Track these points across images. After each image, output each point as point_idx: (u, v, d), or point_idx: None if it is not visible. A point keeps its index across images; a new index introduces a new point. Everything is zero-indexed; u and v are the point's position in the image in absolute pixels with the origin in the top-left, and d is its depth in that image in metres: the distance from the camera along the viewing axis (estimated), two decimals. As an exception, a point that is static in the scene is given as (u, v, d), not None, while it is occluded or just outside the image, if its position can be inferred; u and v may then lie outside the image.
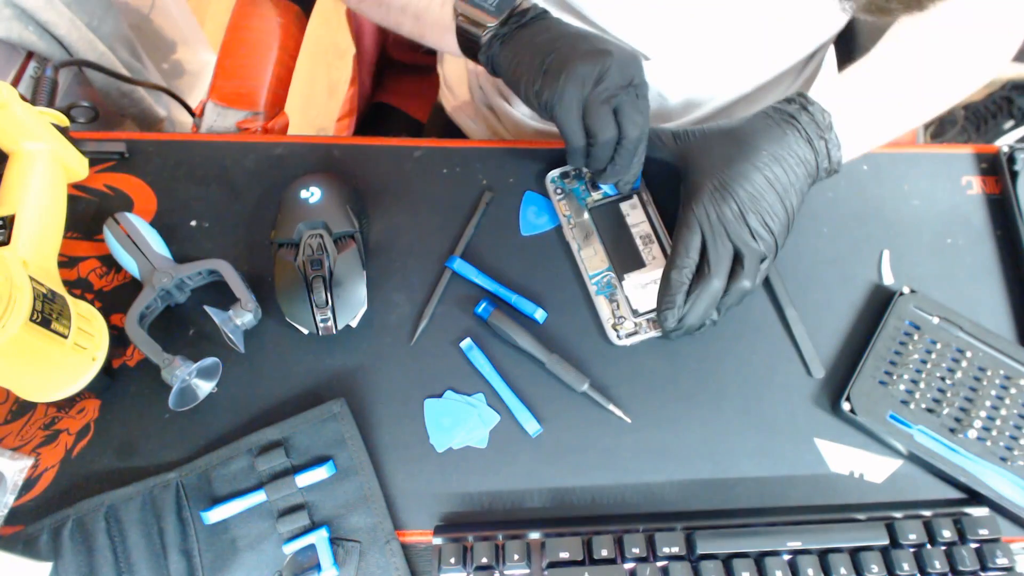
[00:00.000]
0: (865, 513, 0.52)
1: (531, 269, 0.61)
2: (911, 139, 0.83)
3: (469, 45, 0.58)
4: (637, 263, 0.60)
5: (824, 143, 0.55)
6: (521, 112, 0.76)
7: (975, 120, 1.33)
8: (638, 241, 0.61)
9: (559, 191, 0.63)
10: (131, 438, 0.54)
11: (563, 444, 0.55)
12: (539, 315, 0.58)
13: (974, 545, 0.51)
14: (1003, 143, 0.66)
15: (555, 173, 0.63)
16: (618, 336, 0.58)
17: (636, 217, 0.62)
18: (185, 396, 0.53)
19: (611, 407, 0.56)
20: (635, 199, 0.62)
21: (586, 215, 0.62)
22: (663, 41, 0.65)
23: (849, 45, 0.83)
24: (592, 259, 0.60)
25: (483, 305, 0.58)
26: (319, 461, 0.53)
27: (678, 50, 0.66)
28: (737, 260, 0.53)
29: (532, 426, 0.55)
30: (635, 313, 0.59)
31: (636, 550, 0.49)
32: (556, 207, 0.62)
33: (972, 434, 0.55)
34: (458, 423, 0.55)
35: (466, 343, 0.58)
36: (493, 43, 0.56)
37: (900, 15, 0.37)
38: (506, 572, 0.49)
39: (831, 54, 0.84)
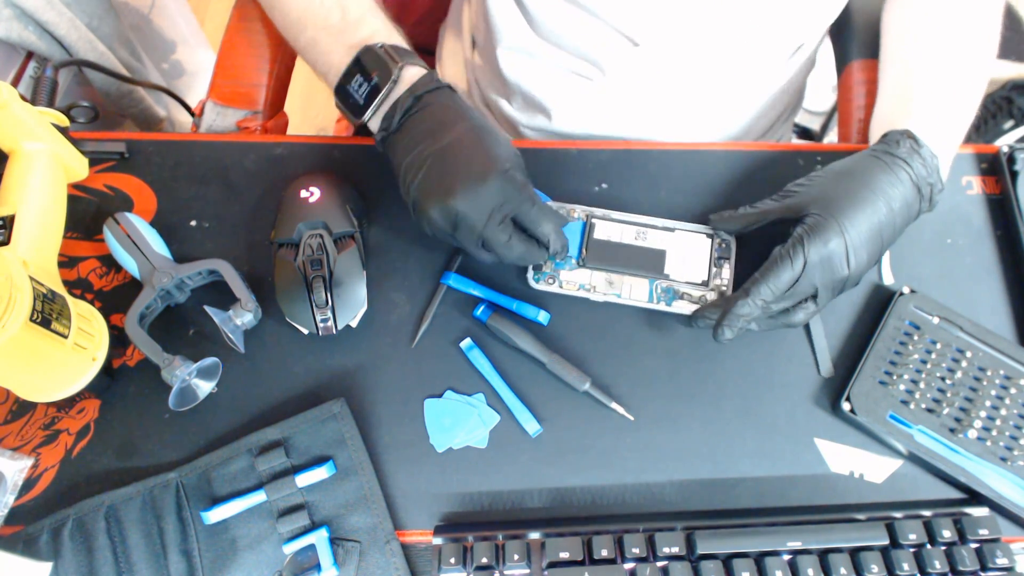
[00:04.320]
0: (865, 513, 0.52)
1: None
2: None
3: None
4: (659, 257, 0.60)
5: (930, 188, 0.56)
6: (517, 111, 0.76)
7: (975, 120, 1.33)
8: (639, 242, 0.61)
9: (550, 280, 0.59)
10: (131, 438, 0.54)
11: (563, 444, 0.55)
12: (542, 317, 0.58)
13: (974, 545, 0.51)
14: (1003, 143, 0.67)
15: (530, 275, 0.59)
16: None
17: (611, 231, 0.61)
18: (185, 396, 0.53)
19: (613, 405, 0.56)
20: (589, 222, 0.61)
21: (588, 272, 0.60)
22: (651, 26, 0.64)
23: (845, 44, 0.83)
24: (634, 290, 0.59)
25: (481, 308, 0.58)
26: (319, 461, 0.53)
27: (666, 35, 0.65)
28: (810, 298, 0.54)
29: (532, 426, 0.55)
30: (706, 285, 0.59)
31: (636, 550, 0.49)
32: (564, 291, 0.59)
33: (972, 434, 0.55)
34: (458, 423, 0.55)
35: (466, 343, 0.58)
36: (377, 142, 0.57)
37: None
38: (506, 572, 0.49)
39: (826, 50, 0.84)
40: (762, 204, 0.59)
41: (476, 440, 0.55)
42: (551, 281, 0.59)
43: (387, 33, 0.58)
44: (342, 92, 0.56)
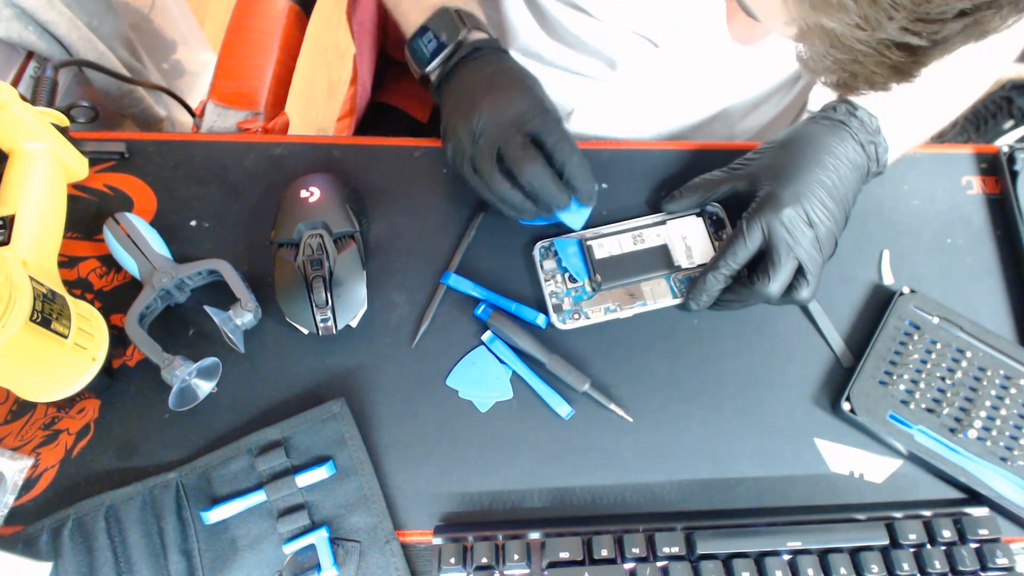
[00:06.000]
0: (865, 513, 0.52)
1: (533, 268, 0.61)
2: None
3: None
4: (664, 252, 0.60)
5: (874, 147, 0.56)
6: None
7: (975, 120, 1.33)
8: (639, 246, 0.61)
9: (576, 315, 0.58)
10: (131, 438, 0.54)
11: (563, 444, 0.55)
12: (540, 320, 0.58)
13: (974, 545, 0.51)
14: (1003, 143, 0.66)
15: (555, 318, 0.58)
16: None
17: (610, 246, 0.60)
18: (185, 396, 0.53)
19: (612, 406, 0.56)
20: (585, 245, 0.60)
21: (607, 293, 0.59)
22: (672, 29, 0.64)
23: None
24: (656, 293, 0.59)
25: (482, 307, 0.58)
26: (319, 461, 0.53)
27: (687, 37, 0.65)
28: (799, 271, 0.54)
29: (564, 409, 0.55)
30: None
31: (636, 550, 0.49)
32: (593, 320, 0.58)
33: (972, 434, 0.55)
34: (483, 381, 0.56)
35: (487, 336, 0.58)
36: (431, 92, 0.60)
37: (866, 93, 0.40)
38: (506, 572, 0.49)
39: None
40: (710, 175, 0.60)
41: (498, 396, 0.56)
42: (577, 316, 0.58)
43: (462, 1, 0.61)
44: (412, 45, 0.60)
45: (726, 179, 0.59)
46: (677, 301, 0.59)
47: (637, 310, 0.59)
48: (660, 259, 0.60)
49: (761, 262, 0.54)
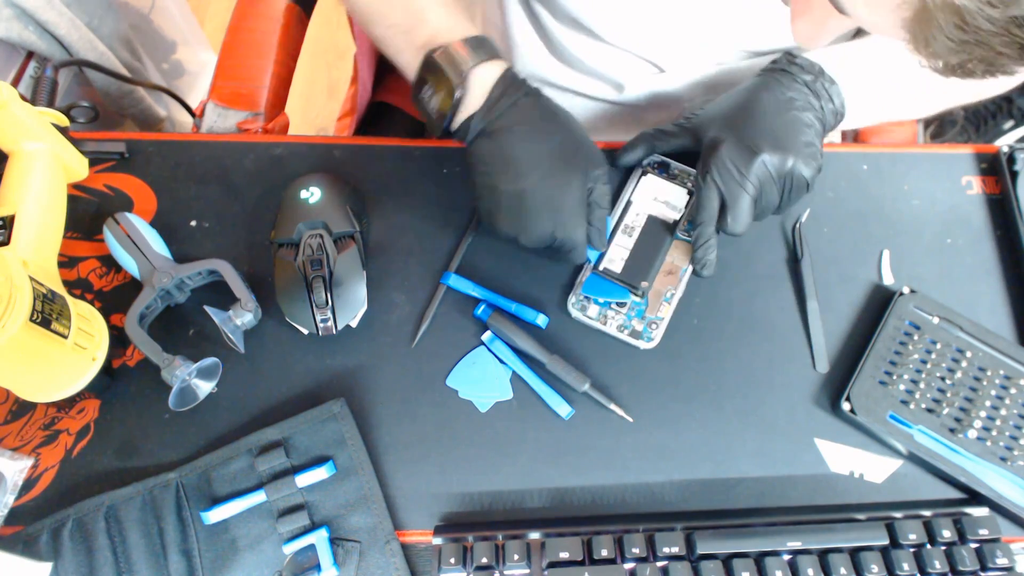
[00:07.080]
0: (865, 513, 0.52)
1: (533, 268, 0.61)
2: (911, 139, 0.83)
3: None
4: (659, 222, 0.61)
5: (821, 84, 0.57)
6: None
7: (975, 120, 1.33)
8: (636, 235, 0.61)
9: (653, 326, 0.58)
10: (131, 438, 0.54)
11: (563, 444, 0.55)
12: (540, 320, 0.58)
13: (974, 545, 0.51)
14: (1003, 143, 0.66)
15: (640, 345, 0.58)
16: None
17: (618, 254, 0.60)
18: (185, 396, 0.53)
19: (612, 406, 0.56)
20: (599, 272, 0.59)
21: (654, 288, 0.59)
22: (678, 55, 0.65)
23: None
24: (685, 255, 0.60)
25: (482, 307, 0.58)
26: (319, 461, 0.53)
27: (693, 61, 0.66)
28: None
29: (564, 409, 0.55)
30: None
31: (636, 550, 0.49)
32: (666, 316, 0.58)
33: (972, 434, 0.55)
34: (483, 381, 0.57)
35: (487, 336, 0.58)
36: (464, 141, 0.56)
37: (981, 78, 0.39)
38: (506, 572, 0.49)
39: None
40: (660, 127, 0.62)
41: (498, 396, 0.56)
42: (654, 326, 0.58)
43: (449, 26, 0.54)
44: (418, 102, 0.55)
45: (675, 133, 0.61)
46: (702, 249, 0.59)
47: (686, 278, 0.59)
48: (659, 229, 0.61)
49: (722, 205, 0.56)
